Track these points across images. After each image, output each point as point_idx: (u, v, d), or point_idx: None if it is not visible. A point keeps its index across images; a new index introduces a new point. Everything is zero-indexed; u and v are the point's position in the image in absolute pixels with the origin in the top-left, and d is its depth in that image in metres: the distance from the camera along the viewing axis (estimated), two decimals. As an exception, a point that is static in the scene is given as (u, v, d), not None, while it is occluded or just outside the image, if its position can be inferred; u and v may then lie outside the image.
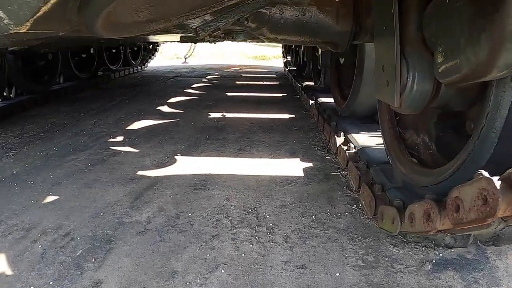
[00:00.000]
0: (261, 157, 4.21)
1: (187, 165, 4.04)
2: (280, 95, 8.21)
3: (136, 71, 13.68)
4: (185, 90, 9.03)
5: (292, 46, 11.71)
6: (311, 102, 6.12)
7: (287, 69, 11.83)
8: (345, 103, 4.72)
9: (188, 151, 4.47)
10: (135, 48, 14.08)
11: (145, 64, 15.00)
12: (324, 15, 2.86)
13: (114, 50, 11.85)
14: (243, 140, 4.80)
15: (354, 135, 4.01)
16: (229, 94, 8.33)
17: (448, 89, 2.22)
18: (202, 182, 3.61)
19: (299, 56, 10.28)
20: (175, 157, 4.29)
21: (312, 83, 7.64)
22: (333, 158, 4.14)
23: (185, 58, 18.35)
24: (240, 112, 6.36)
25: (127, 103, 7.61)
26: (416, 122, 2.97)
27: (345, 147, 3.71)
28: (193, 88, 9.33)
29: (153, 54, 15.67)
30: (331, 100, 5.77)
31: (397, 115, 3.18)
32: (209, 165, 4.01)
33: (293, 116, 6.13)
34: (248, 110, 6.49)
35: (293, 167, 3.94)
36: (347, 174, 3.61)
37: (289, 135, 5.01)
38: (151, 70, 14.70)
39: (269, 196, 3.28)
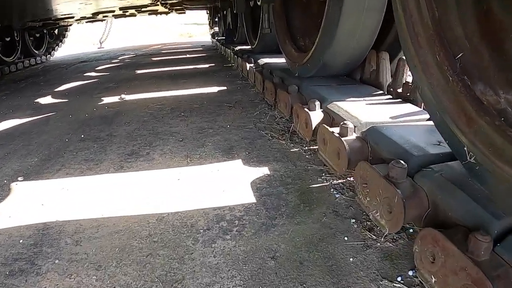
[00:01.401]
0: (167, 166, 2.07)
1: (21, 203, 1.84)
2: (207, 65, 6.02)
3: (39, 62, 10.91)
4: (85, 74, 6.62)
5: (219, 13, 9.53)
6: (249, 66, 4.03)
7: (215, 40, 9.65)
8: (307, 56, 2.69)
9: (39, 169, 2.25)
10: (38, 35, 11.26)
11: (51, 53, 12.17)
12: None
13: (8, 39, 9.14)
14: (140, 135, 2.62)
15: (340, 105, 2.00)
16: (139, 71, 6.03)
17: None
18: (33, 248, 1.47)
19: (228, 20, 8.13)
20: (12, 185, 2.07)
21: (248, 47, 5.56)
22: (307, 152, 2.11)
23: (101, 43, 15.57)
24: (147, 92, 4.13)
25: (4, 99, 5.15)
26: (483, 64, 1.23)
27: (335, 130, 1.67)
28: (96, 71, 6.92)
29: (60, 41, 12.81)
30: (278, 60, 3.76)
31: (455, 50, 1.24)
32: (62, 199, 1.83)
33: (224, 88, 4.01)
34: (159, 88, 4.28)
35: (231, 182, 1.85)
36: (353, 188, 1.60)
37: (219, 117, 2.90)
38: (59, 58, 11.95)
39: (177, 284, 1.18)
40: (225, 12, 8.54)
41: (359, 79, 2.75)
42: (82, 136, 2.76)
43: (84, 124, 3.10)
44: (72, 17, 9.62)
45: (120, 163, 2.17)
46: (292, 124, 2.25)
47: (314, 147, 2.10)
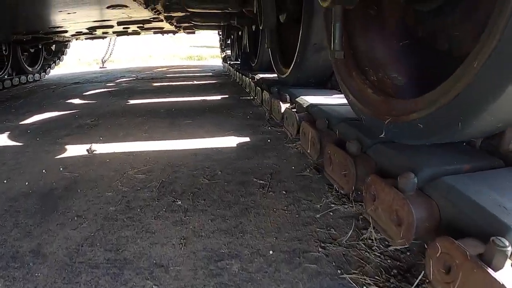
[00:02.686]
0: None
1: None
2: (218, 97, 4.69)
3: (31, 80, 9.78)
4: (68, 101, 5.34)
5: (233, 34, 8.33)
6: (284, 107, 2.70)
7: (227, 64, 8.40)
8: (444, 100, 1.38)
9: None
10: (32, 50, 10.17)
11: (47, 71, 11.02)
12: None
13: (-4, 53, 8.28)
14: (88, 265, 1.25)
15: None
16: (132, 102, 4.71)
17: None
18: None
19: (244, 42, 6.91)
20: None
21: (273, 75, 4.29)
22: None
23: (103, 62, 14.46)
24: (131, 140, 2.79)
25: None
26: None
27: None
28: (83, 97, 5.64)
29: (58, 58, 11.69)
30: (331, 99, 2.49)
31: None
32: None
33: (247, 140, 2.65)
34: (150, 134, 2.93)
35: None
36: None
37: (248, 218, 1.53)
38: (55, 77, 10.86)
39: None
40: (240, 32, 7.36)
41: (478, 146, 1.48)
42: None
43: (12, 208, 1.76)
44: (65, 31, 8.44)
45: None
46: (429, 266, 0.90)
47: None
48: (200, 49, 19.53)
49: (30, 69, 9.98)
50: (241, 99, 4.46)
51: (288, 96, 2.81)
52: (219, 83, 6.45)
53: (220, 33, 9.94)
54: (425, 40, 1.91)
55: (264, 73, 4.86)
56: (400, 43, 2.12)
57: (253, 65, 5.64)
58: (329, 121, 2.06)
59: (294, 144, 2.42)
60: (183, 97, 4.81)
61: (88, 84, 7.99)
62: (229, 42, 9.87)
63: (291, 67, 3.30)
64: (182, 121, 3.29)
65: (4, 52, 8.75)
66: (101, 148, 2.61)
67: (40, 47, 10.41)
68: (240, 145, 2.48)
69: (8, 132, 3.56)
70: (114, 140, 2.80)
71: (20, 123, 4.05)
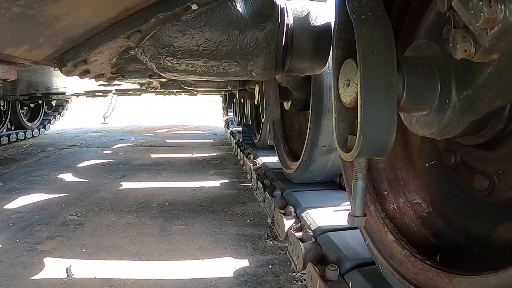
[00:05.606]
0: None
1: None
2: (217, 183, 4.41)
3: (30, 136, 9.75)
4: (59, 176, 5.15)
5: (235, 99, 8.26)
6: (286, 224, 2.42)
7: (229, 131, 8.24)
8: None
9: None
10: (32, 105, 10.20)
11: (47, 126, 10.99)
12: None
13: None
14: None
15: None
16: (125, 185, 4.47)
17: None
18: None
19: (246, 112, 6.79)
20: None
21: (275, 159, 4.05)
22: None
23: (105, 118, 14.48)
24: (118, 257, 2.50)
25: None
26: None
27: None
28: (76, 171, 5.42)
29: (59, 113, 11.71)
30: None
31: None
32: None
33: (245, 265, 2.33)
34: (140, 249, 2.62)
35: None
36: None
37: None
38: (55, 133, 10.85)
39: None
40: (242, 100, 7.27)
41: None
42: None
43: None
44: (63, 93, 8.40)
45: None
46: None
47: None
48: (204, 103, 19.70)
49: (29, 124, 9.90)
50: (241, 186, 4.23)
51: (292, 209, 2.57)
52: (219, 157, 6.25)
53: (222, 96, 9.93)
54: (457, 170, 1.59)
55: (268, 154, 4.66)
56: (426, 164, 1.82)
57: (256, 141, 5.45)
58: (340, 265, 1.80)
59: (299, 275, 2.15)
60: (179, 180, 4.58)
61: (85, 148, 7.83)
62: (232, 106, 9.83)
63: (297, 166, 3.09)
64: (175, 225, 3.03)
65: (2, 108, 8.72)
66: (81, 268, 2.34)
67: (40, 102, 10.42)
68: (238, 274, 2.21)
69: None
70: (97, 255, 2.53)
71: (5, 207, 3.84)
